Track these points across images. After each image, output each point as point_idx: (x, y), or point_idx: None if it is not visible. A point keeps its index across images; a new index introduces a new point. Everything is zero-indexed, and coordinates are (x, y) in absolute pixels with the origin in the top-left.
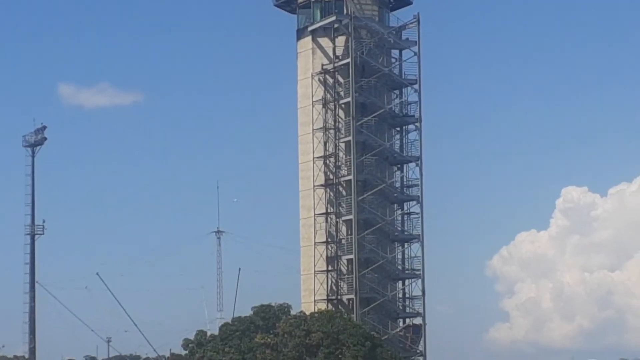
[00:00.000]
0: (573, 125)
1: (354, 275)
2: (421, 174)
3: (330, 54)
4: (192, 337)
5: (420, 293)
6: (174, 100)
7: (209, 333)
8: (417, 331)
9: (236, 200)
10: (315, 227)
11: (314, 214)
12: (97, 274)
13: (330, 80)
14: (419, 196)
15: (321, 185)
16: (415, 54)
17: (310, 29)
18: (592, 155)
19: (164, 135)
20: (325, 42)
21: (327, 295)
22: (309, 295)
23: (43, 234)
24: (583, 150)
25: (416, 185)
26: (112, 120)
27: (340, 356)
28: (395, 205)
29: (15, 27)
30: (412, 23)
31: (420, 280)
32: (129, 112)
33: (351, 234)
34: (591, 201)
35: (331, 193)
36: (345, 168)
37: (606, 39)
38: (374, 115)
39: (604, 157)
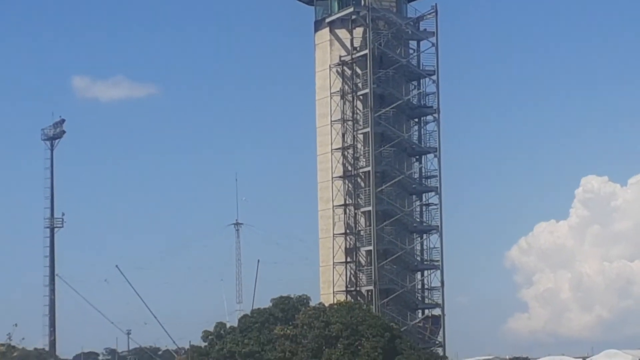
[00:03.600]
0: (592, 114)
1: (372, 267)
2: (439, 165)
3: (348, 45)
4: (211, 329)
5: (439, 284)
6: (189, 93)
7: (228, 325)
8: (436, 322)
9: (245, 199)
10: (333, 219)
11: (333, 206)
12: (116, 266)
13: (348, 72)
14: (437, 187)
15: (339, 176)
16: (433, 44)
17: (327, 20)
18: (612, 144)
19: (180, 128)
20: (342, 33)
21: (346, 287)
22: (327, 286)
23: (62, 227)
24: (603, 139)
25: (434, 176)
26: (128, 113)
27: (359, 347)
28: (414, 196)
29: (28, 20)
30: (429, 14)
31: (439, 272)
32: (144, 105)
33: (370, 226)
34: (611, 191)
35: (349, 185)
36: (364, 159)
37: (630, 29)
38: (392, 106)
39: (624, 146)
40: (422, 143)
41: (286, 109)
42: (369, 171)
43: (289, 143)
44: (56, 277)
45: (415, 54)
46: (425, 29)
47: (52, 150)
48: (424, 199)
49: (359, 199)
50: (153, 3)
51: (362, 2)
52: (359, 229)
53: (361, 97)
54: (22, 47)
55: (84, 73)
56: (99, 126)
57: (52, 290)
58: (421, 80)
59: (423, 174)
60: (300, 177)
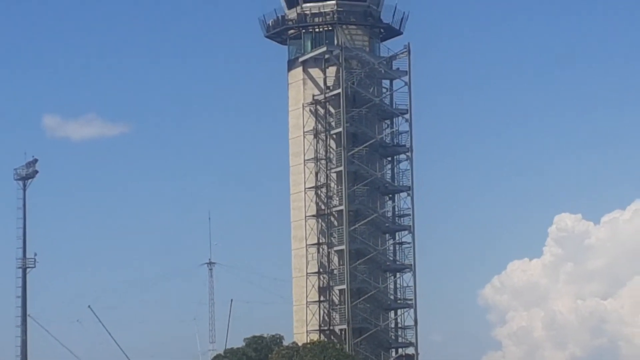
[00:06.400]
0: (565, 152)
1: (346, 306)
2: (412, 204)
3: (321, 84)
4: None
5: (412, 323)
6: (162, 131)
7: None
8: None
9: (217, 244)
10: (307, 258)
11: (306, 245)
12: (89, 306)
13: (321, 111)
14: (410, 226)
15: (313, 215)
16: (405, 83)
17: (301, 59)
18: (585, 182)
19: (153, 166)
20: (316, 72)
21: (320, 326)
22: (301, 326)
23: (34, 267)
24: (576, 177)
25: (408, 214)
26: (101, 152)
27: None
28: (387, 235)
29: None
30: (402, 53)
31: (412, 310)
32: (116, 143)
33: (343, 264)
34: (585, 229)
35: (323, 223)
36: (337, 198)
37: (611, 60)
38: (365, 145)
39: (597, 184)
40: (395, 182)
41: (259, 147)
42: (342, 210)
43: (262, 182)
44: (28, 318)
45: (388, 92)
46: (398, 68)
47: (24, 190)
48: (397, 238)
49: (332, 238)
50: (123, 41)
51: (335, 42)
52: (332, 267)
53: (334, 136)
54: None
55: (54, 112)
56: (71, 165)
57: (24, 331)
58: (394, 119)
59: (396, 213)
60: (274, 216)
